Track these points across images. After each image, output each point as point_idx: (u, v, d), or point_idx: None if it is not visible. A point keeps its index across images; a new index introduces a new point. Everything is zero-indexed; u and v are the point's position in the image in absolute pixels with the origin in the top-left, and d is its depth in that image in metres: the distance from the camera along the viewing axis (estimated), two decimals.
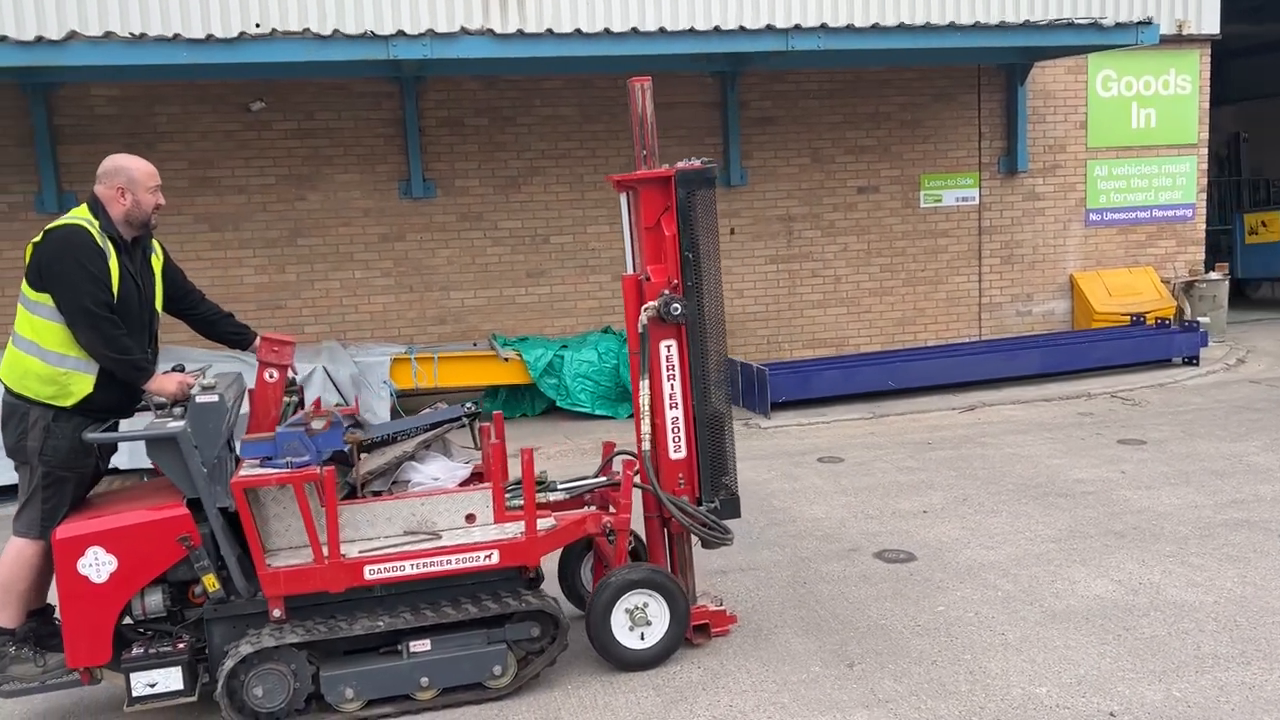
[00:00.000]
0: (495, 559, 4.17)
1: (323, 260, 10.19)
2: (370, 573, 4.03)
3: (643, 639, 4.43)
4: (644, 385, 4.47)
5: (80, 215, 3.97)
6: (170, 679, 3.89)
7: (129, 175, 4.03)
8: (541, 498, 4.49)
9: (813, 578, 5.44)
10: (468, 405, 4.78)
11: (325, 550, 3.96)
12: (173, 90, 9.67)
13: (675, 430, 4.52)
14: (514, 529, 4.27)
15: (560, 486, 4.67)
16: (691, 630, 4.58)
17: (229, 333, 4.45)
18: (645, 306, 4.40)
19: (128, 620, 4.00)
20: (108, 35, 8.12)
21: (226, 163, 9.91)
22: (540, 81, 10.43)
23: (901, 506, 6.59)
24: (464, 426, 4.75)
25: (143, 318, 4.08)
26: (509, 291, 10.63)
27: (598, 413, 9.60)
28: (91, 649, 3.90)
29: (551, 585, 4.78)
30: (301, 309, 10.19)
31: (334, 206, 10.13)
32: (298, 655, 4.02)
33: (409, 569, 4.08)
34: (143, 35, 7.82)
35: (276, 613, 4.00)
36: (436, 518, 4.28)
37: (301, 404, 4.63)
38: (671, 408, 4.51)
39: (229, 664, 3.90)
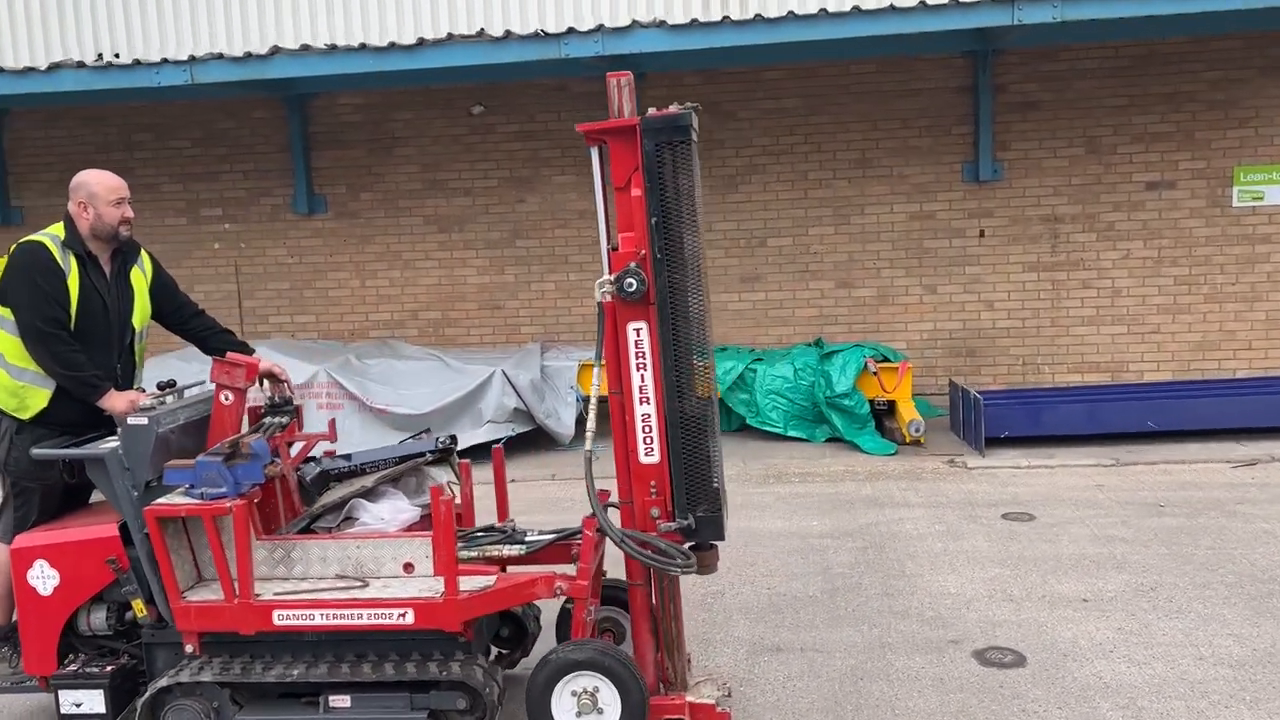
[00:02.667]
0: (410, 619, 3.74)
1: (539, 262, 10.21)
2: (279, 618, 3.77)
3: None
4: (596, 374, 3.81)
5: (51, 231, 4.06)
6: (94, 701, 3.88)
7: (89, 190, 4.06)
8: (494, 551, 3.99)
9: (875, 673, 4.46)
10: (443, 439, 4.38)
11: (236, 588, 3.75)
12: (408, 97, 10.10)
13: (646, 430, 3.81)
14: (436, 585, 3.81)
15: (528, 539, 4.14)
16: None
17: (219, 349, 4.38)
18: (600, 281, 3.72)
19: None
20: (331, 47, 8.52)
21: (454, 165, 10.20)
22: (761, 72, 9.72)
23: (1062, 589, 5.29)
24: (431, 463, 4.36)
25: (109, 333, 4.10)
26: (721, 298, 10.04)
27: (790, 434, 8.80)
28: (40, 658, 3.98)
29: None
30: (519, 310, 10.29)
31: (551, 208, 10.11)
32: (220, 694, 3.85)
33: (318, 619, 3.77)
34: (332, 46, 8.16)
35: (189, 648, 3.85)
36: (373, 563, 3.93)
37: (297, 425, 4.46)
38: (642, 403, 3.80)
39: (145, 695, 3.81)
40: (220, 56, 8.16)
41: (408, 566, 3.92)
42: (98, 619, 3.99)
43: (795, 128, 9.81)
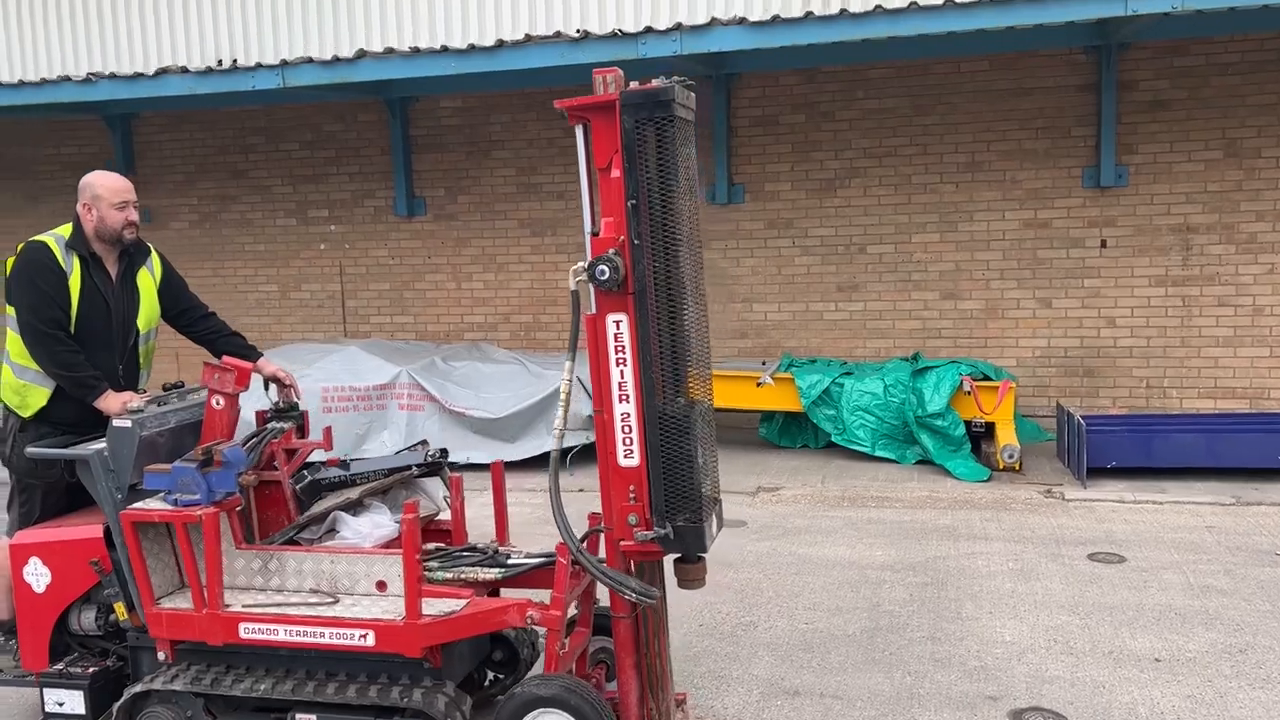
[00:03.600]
0: (370, 641, 3.59)
1: None
2: (245, 631, 3.69)
3: None
4: (566, 366, 3.56)
5: (58, 231, 4.10)
6: (75, 702, 3.89)
7: (93, 191, 4.07)
8: (470, 573, 3.80)
9: None
10: (432, 452, 4.21)
11: (205, 598, 3.68)
12: (504, 100, 10.08)
13: (626, 430, 3.53)
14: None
15: (510, 561, 3.92)
16: None
17: (228, 352, 4.35)
18: (574, 269, 3.48)
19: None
20: (389, 51, 8.55)
21: (548, 169, 10.12)
22: (864, 71, 9.24)
23: (1134, 645, 4.72)
24: (419, 476, 4.19)
25: (110, 334, 4.11)
26: (817, 306, 9.61)
27: (878, 454, 8.31)
28: (34, 654, 4.02)
29: None
30: None
31: None
32: (195, 703, 3.80)
33: (282, 634, 3.66)
34: (415, 49, 8.17)
35: (161, 655, 3.82)
36: (347, 579, 3.81)
37: (303, 431, 4.39)
38: (621, 400, 3.52)
39: (121, 700, 3.79)
40: (310, 60, 8.30)
41: (380, 585, 3.78)
42: (87, 619, 4.01)
43: (899, 129, 9.28)
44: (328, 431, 4.32)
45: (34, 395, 4.04)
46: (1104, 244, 8.99)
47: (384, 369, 8.78)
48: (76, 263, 4.02)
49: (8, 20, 10.45)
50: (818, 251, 9.55)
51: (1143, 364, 9.04)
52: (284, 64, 8.30)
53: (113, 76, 8.79)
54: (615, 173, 3.44)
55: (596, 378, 3.58)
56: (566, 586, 3.64)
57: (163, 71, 8.56)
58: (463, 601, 3.67)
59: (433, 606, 3.65)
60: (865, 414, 8.31)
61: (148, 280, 4.27)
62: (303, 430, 4.38)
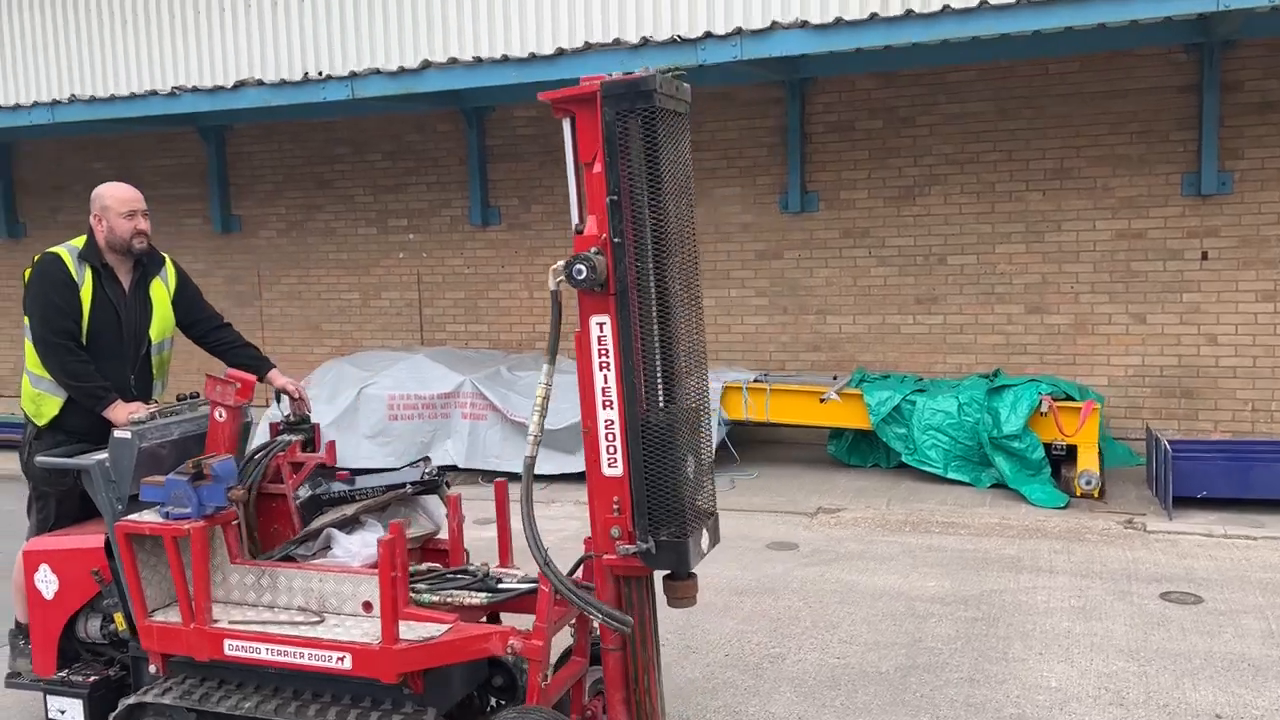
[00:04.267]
0: (347, 664, 3.50)
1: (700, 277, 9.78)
2: (230, 648, 3.64)
3: None
4: (544, 371, 3.41)
5: (73, 242, 4.15)
6: (75, 710, 3.92)
7: (103, 202, 4.11)
8: (456, 597, 3.67)
9: None
10: (429, 470, 4.09)
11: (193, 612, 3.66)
12: None
13: (609, 438, 3.38)
14: (403, 630, 3.54)
15: (500, 586, 3.78)
16: None
17: (240, 364, 4.35)
18: (554, 268, 3.33)
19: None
20: (453, 61, 8.55)
21: None
22: (946, 74, 8.84)
23: (1195, 698, 4.30)
24: (415, 494, 4.09)
25: (122, 345, 4.14)
26: (893, 319, 9.23)
27: (950, 476, 7.91)
28: (43, 660, 4.07)
29: None
30: None
31: (714, 221, 9.68)
32: (187, 717, 3.78)
33: (264, 653, 3.60)
34: (478, 59, 8.16)
35: (152, 668, 3.81)
36: (335, 599, 3.73)
37: (313, 444, 4.34)
38: (605, 407, 3.38)
39: (116, 711, 3.80)
40: (377, 71, 8.38)
41: (366, 605, 3.69)
42: (93, 627, 4.04)
43: (983, 134, 8.84)
44: (331, 446, 4.26)
45: (48, 404, 4.10)
46: (1205, 256, 8.38)
47: (448, 378, 8.81)
48: (89, 274, 4.07)
49: (104, 36, 10.91)
50: (895, 262, 9.17)
51: (1247, 385, 8.39)
52: (353, 75, 8.40)
53: (195, 90, 9.05)
54: (597, 168, 3.30)
55: (582, 382, 3.42)
56: (549, 614, 3.49)
57: (240, 84, 8.77)
58: (445, 627, 3.55)
59: (415, 630, 3.54)
60: (937, 433, 7.91)
61: (161, 290, 4.30)
62: (313, 443, 4.34)
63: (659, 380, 3.38)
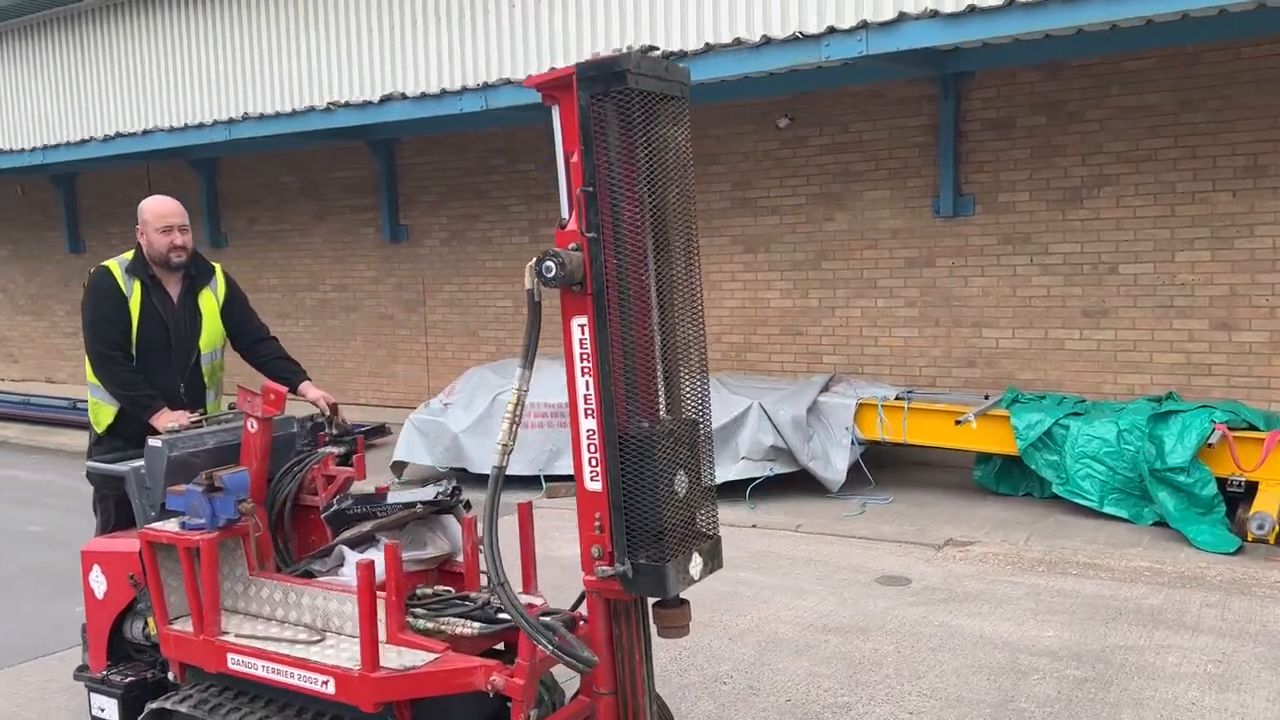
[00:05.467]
0: (330, 689, 3.40)
1: (845, 286, 9.30)
2: (232, 661, 3.62)
3: None
4: (518, 376, 3.17)
5: (124, 256, 4.29)
6: (111, 710, 4.02)
7: (143, 217, 4.22)
8: (449, 626, 3.49)
9: None
10: (443, 490, 3.93)
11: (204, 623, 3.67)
12: (723, 112, 9.74)
13: (591, 449, 3.11)
14: (390, 656, 3.42)
15: (500, 616, 3.57)
16: None
17: (274, 375, 4.38)
18: (529, 265, 3.10)
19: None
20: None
21: (763, 183, 9.65)
22: (1119, 63, 7.96)
23: None
24: (431, 514, 3.93)
25: (170, 354, 4.24)
26: (1057, 334, 8.40)
27: (1107, 510, 7.07)
28: (95, 657, 4.21)
29: None
30: (821, 337, 9.46)
31: (860, 227, 9.16)
32: None
33: (259, 670, 3.56)
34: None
35: (172, 675, 3.85)
36: (338, 618, 3.65)
37: (351, 455, 4.29)
38: (587, 416, 3.11)
39: (142, 714, 3.87)
40: (508, 82, 8.42)
41: None
42: (136, 629, 4.14)
43: (1161, 129, 7.90)
44: (360, 460, 4.19)
45: (103, 412, 4.27)
46: None
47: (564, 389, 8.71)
48: (137, 286, 4.20)
49: (274, 56, 11.59)
50: (1059, 271, 8.35)
51: None
52: (485, 86, 8.48)
53: (347, 105, 9.42)
54: (575, 157, 3.06)
55: (568, 389, 3.18)
56: (533, 650, 3.25)
57: (386, 99, 9.05)
58: (432, 656, 3.39)
59: (403, 658, 3.41)
60: (1093, 463, 7.10)
61: (210, 301, 4.38)
62: (354, 456, 4.30)
63: (641, 389, 3.09)
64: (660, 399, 3.26)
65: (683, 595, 3.20)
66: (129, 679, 4.03)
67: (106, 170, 14.21)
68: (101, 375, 4.18)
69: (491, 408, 8.83)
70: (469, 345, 11.66)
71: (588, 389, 3.11)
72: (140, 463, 3.98)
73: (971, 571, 6.19)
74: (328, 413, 4.31)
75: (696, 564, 3.18)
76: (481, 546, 3.19)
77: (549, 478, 8.58)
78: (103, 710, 4.05)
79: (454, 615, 3.56)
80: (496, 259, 11.43)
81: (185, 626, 3.80)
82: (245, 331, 4.51)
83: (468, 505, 3.99)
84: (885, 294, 9.12)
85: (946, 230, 8.77)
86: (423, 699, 3.47)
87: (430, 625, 3.53)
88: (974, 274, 8.72)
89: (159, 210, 4.23)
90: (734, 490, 7.92)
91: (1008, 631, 5.20)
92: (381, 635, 3.53)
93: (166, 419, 4.10)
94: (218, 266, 4.50)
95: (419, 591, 3.70)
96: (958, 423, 7.44)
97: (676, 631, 3.22)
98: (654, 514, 3.05)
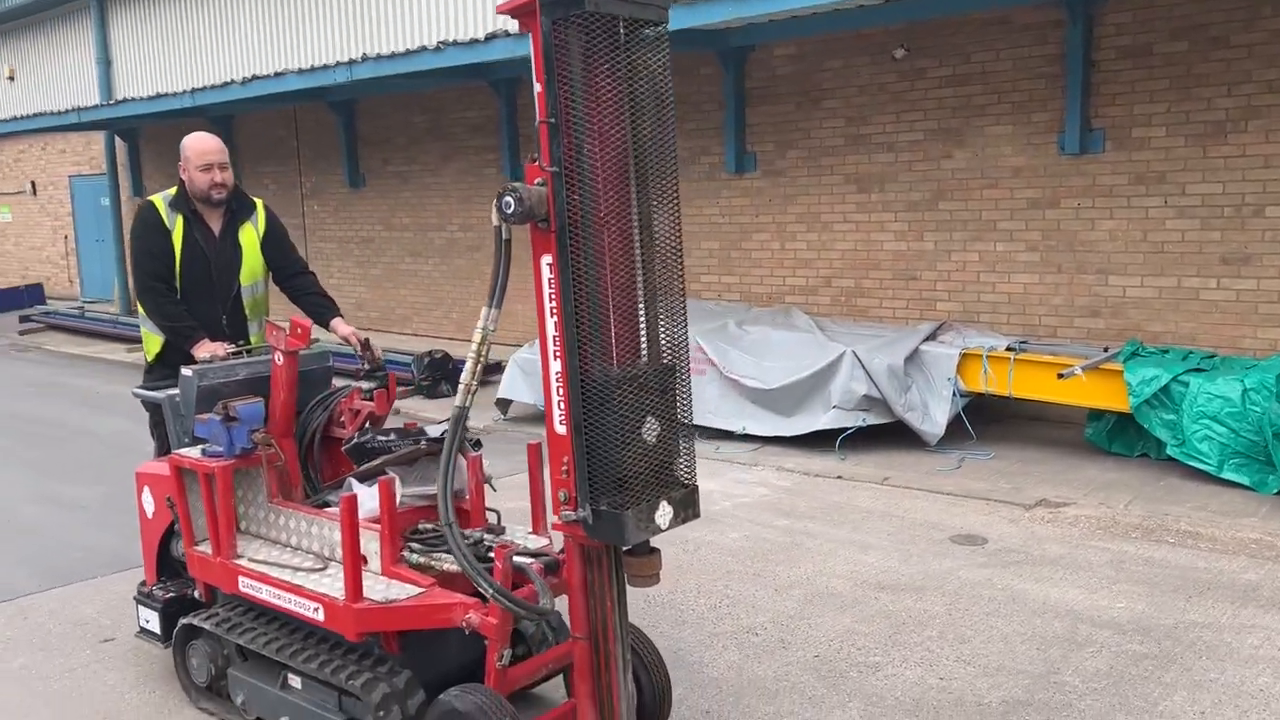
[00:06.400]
0: (321, 616, 3.48)
1: (963, 228, 8.78)
2: (242, 584, 3.77)
3: None
4: (484, 315, 3.10)
5: (168, 191, 4.42)
6: (154, 622, 4.25)
7: (184, 153, 4.32)
8: (439, 561, 3.50)
9: None
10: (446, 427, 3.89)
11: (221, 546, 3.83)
12: (838, 43, 9.29)
13: (559, 393, 3.03)
14: (379, 588, 3.47)
15: (491, 555, 3.55)
16: None
17: (307, 310, 4.47)
18: (495, 202, 3.01)
19: None
20: None
21: (878, 118, 9.18)
22: None
23: None
24: (434, 452, 3.91)
25: (212, 287, 4.37)
26: (1191, 282, 7.69)
27: (1226, 475, 6.48)
28: (148, 571, 4.47)
29: None
30: (935, 282, 8.99)
31: (980, 165, 8.60)
32: (230, 644, 3.98)
33: (264, 594, 3.68)
34: None
35: (195, 593, 4.03)
36: (340, 548, 3.72)
37: (387, 392, 4.35)
38: (555, 358, 3.02)
39: (176, 628, 4.09)
40: None
41: (363, 558, 3.64)
42: (177, 548, 4.36)
43: None
44: (380, 396, 4.22)
45: (151, 342, 4.46)
46: None
47: None
48: (180, 220, 4.34)
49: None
50: (1197, 213, 7.62)
51: None
52: None
53: (455, 44, 9.48)
54: (538, 86, 2.93)
55: (539, 329, 3.09)
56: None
57: (491, 37, 9.05)
58: (416, 590, 3.42)
59: (392, 590, 3.46)
60: (1213, 424, 6.51)
61: (251, 235, 4.49)
62: (387, 391, 4.35)
63: (607, 331, 2.97)
64: (640, 343, 3.14)
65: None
66: (170, 595, 4.25)
67: (256, 112, 14.90)
68: (146, 306, 4.37)
69: None
70: None
71: (556, 330, 3.01)
72: (176, 391, 4.15)
73: (1056, 534, 5.80)
74: (357, 349, 4.35)
75: (665, 513, 3.06)
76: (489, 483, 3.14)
77: None
78: (148, 622, 4.30)
79: (446, 552, 3.58)
80: None
81: (207, 549, 3.97)
82: (283, 266, 4.61)
83: (478, 444, 3.98)
84: (1005, 237, 8.56)
85: (1073, 168, 8.13)
86: (412, 632, 3.53)
87: (422, 560, 3.56)
88: (1101, 216, 8.06)
89: (199, 148, 4.34)
90: (824, 440, 7.68)
91: (1075, 600, 4.85)
92: (376, 567, 3.59)
93: (205, 349, 4.25)
94: (259, 202, 4.61)
95: (421, 526, 3.73)
96: (1061, 376, 6.94)
97: (645, 580, 3.13)
98: (616, 460, 2.95)
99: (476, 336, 3.13)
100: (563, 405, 3.02)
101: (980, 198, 8.64)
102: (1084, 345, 7.97)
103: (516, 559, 3.34)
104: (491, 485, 3.97)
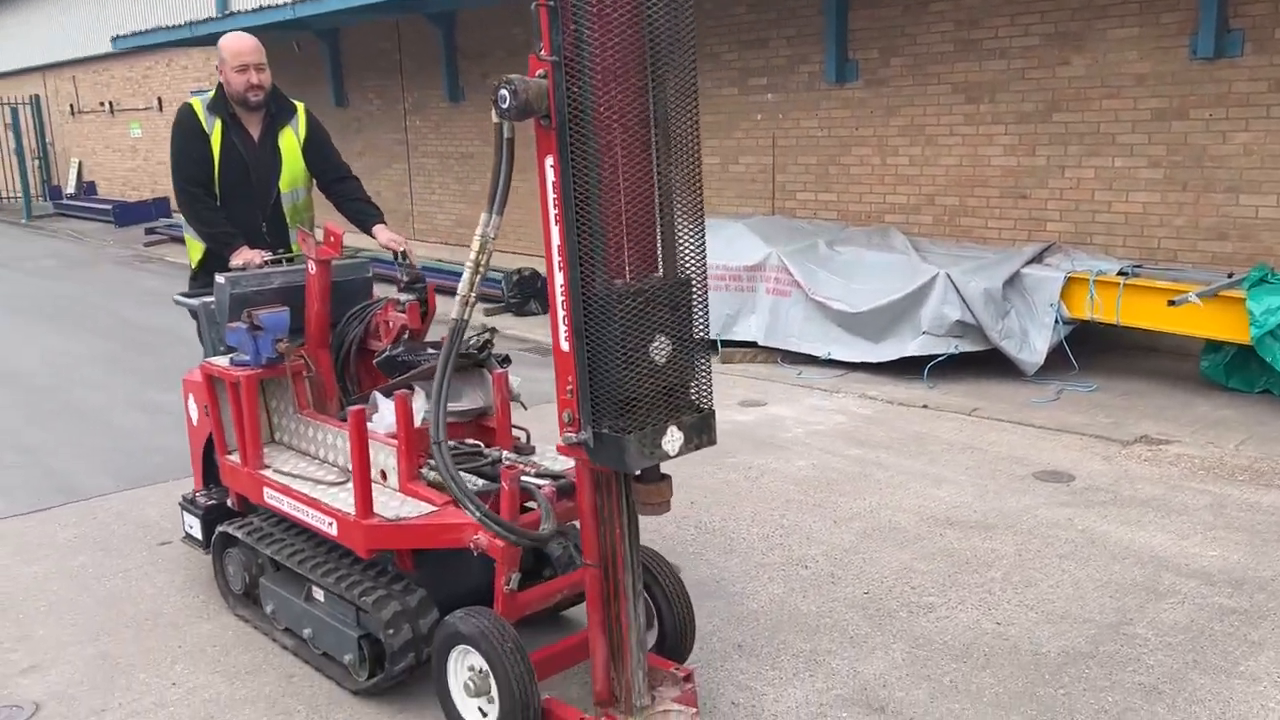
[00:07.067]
0: (334, 530, 3.41)
1: (1079, 141, 8.10)
2: (266, 495, 3.73)
3: (483, 715, 3.11)
4: (482, 221, 2.89)
5: (207, 94, 4.31)
6: (196, 529, 4.28)
7: (221, 55, 4.19)
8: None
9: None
10: (474, 343, 3.72)
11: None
12: None
13: (564, 308, 2.81)
14: (393, 505, 3.38)
15: (544, 469, 3.38)
16: None
17: (349, 216, 4.34)
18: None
19: None
20: None
21: (991, 21, 8.49)
22: None
23: None
24: (462, 367, 3.75)
25: (251, 192, 4.27)
26: None
27: None
28: (195, 477, 4.50)
29: None
30: (1046, 201, 8.36)
31: (1101, 72, 7.88)
32: (262, 554, 3.97)
33: (285, 506, 3.64)
34: None
35: (229, 501, 4.02)
36: None
37: (425, 304, 4.19)
38: (559, 270, 2.80)
39: (214, 535, 4.10)
40: None
41: (383, 474, 3.55)
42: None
43: None
44: (414, 308, 4.07)
45: (194, 249, 4.42)
46: None
47: (757, 249, 8.28)
48: (218, 124, 4.24)
49: None
50: None
51: None
52: None
53: None
54: None
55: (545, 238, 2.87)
56: (512, 512, 3.09)
57: None
58: (428, 509, 3.30)
59: (407, 508, 3.35)
60: None
61: (291, 139, 4.36)
62: (425, 302, 4.21)
63: (613, 240, 2.73)
64: (655, 255, 2.89)
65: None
66: (211, 502, 4.27)
67: (360, 25, 14.87)
68: (185, 212, 4.32)
69: None
70: None
71: (559, 240, 2.79)
72: (210, 299, 4.10)
73: (1152, 474, 5.34)
74: (398, 258, 4.21)
75: (674, 439, 2.84)
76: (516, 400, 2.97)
77: (725, 343, 8.29)
78: (191, 528, 4.34)
79: (466, 470, 3.44)
80: (705, 112, 10.91)
81: (237, 458, 3.95)
82: (325, 170, 4.48)
83: (506, 359, 3.82)
84: (1125, 151, 7.86)
85: (1205, 75, 7.36)
86: (430, 551, 3.43)
87: (437, 479, 3.44)
88: (1235, 128, 7.30)
89: (235, 49, 4.20)
90: (914, 368, 7.30)
91: (1162, 545, 4.45)
92: (395, 484, 3.49)
93: (241, 256, 4.18)
94: (300, 105, 4.47)
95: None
96: (1172, 303, 6.36)
97: (653, 509, 2.93)
98: (619, 381, 2.73)
99: (475, 245, 2.92)
100: (566, 321, 2.81)
101: (1099, 108, 7.93)
102: (1207, 271, 7.29)
103: (525, 480, 3.18)
104: (521, 403, 3.82)
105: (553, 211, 2.79)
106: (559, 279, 2.81)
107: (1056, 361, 7.17)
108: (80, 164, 25.42)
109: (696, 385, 2.92)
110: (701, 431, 2.91)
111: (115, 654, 3.80)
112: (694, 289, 2.90)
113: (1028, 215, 8.47)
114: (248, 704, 3.46)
